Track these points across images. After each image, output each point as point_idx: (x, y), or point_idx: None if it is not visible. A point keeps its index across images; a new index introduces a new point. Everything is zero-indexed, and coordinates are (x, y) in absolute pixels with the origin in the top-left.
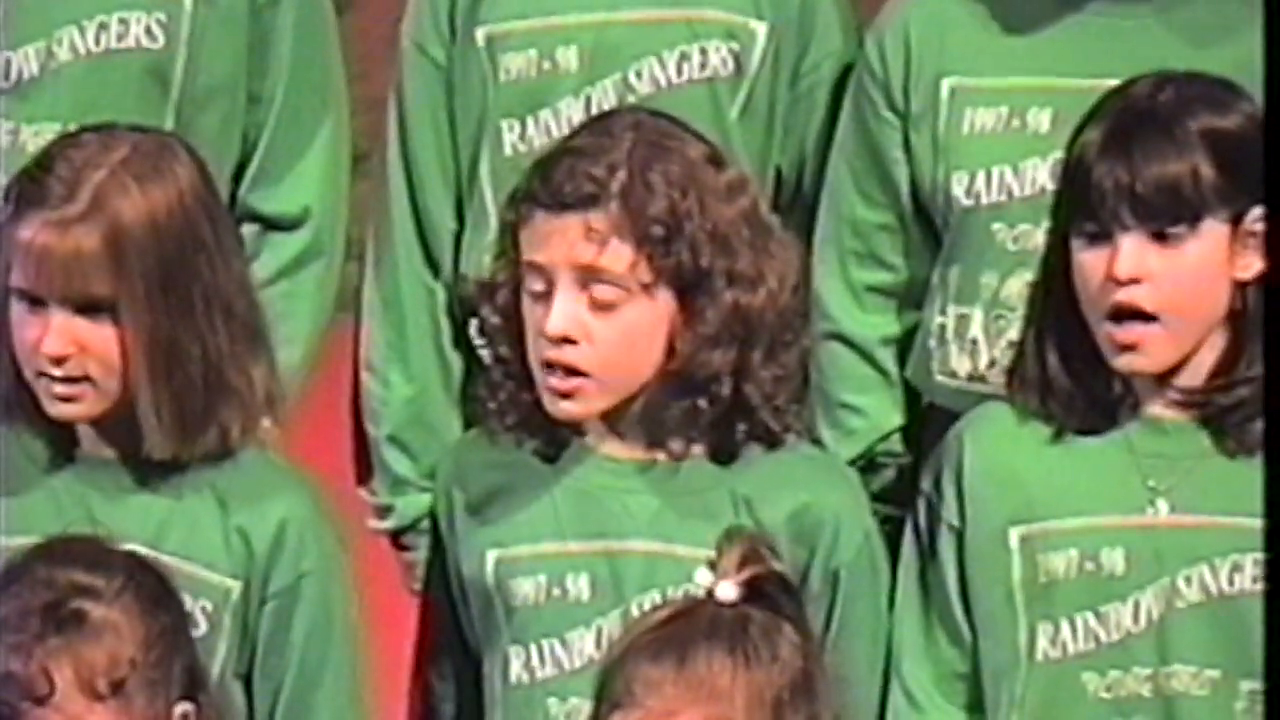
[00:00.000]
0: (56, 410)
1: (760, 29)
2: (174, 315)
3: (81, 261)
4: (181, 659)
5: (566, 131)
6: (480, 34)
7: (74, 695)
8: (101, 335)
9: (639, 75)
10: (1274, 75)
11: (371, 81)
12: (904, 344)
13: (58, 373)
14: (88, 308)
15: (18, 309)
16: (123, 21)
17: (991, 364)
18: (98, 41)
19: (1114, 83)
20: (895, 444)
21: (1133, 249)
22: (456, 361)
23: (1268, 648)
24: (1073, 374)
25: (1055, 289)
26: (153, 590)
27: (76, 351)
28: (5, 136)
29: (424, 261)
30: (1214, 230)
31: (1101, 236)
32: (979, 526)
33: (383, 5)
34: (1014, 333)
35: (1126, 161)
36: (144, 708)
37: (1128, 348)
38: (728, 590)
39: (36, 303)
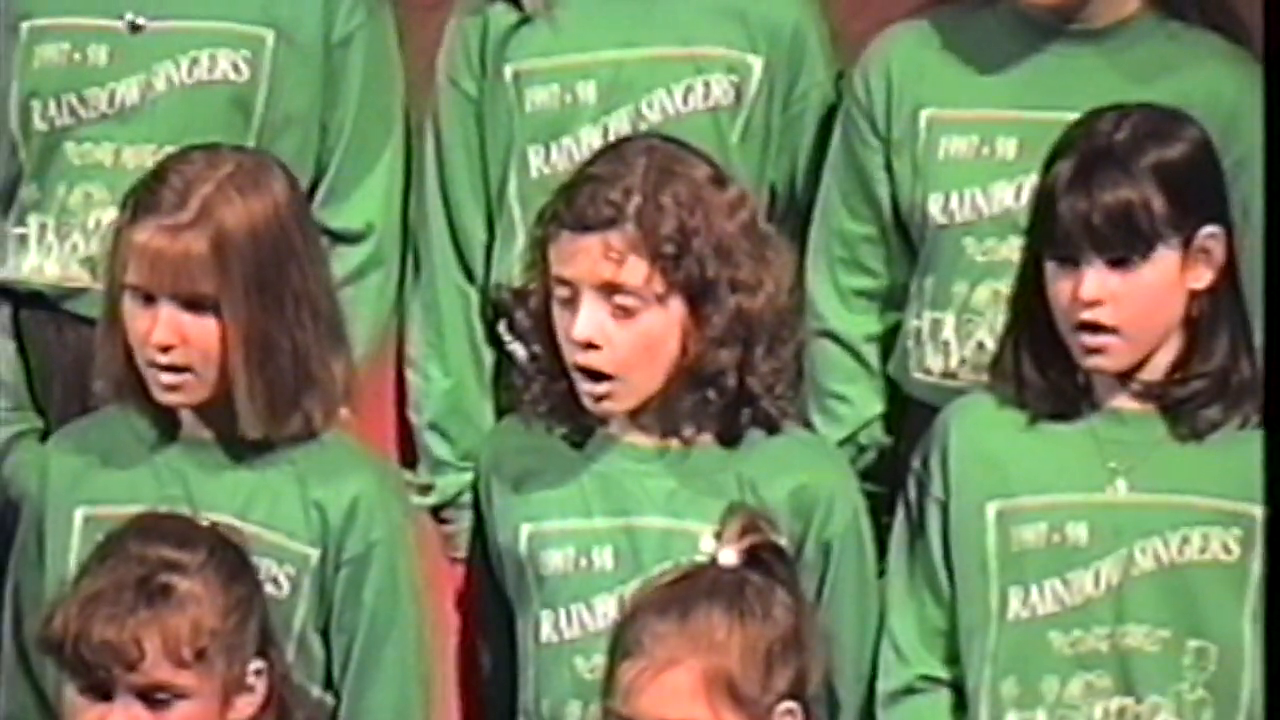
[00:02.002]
0: (163, 397)
1: (756, 63)
2: (268, 312)
3: (189, 262)
4: (256, 621)
5: (586, 156)
6: (508, 70)
7: (161, 661)
8: (204, 328)
9: (650, 106)
10: (1274, 75)
11: (417, 109)
12: (886, 341)
13: (164, 361)
14: (193, 303)
15: (130, 304)
16: (212, 57)
17: (962, 362)
18: (190, 74)
19: (1071, 115)
20: (877, 429)
21: (1095, 276)
22: (488, 357)
23: (1268, 642)
24: (1043, 372)
25: (1028, 298)
26: (232, 563)
27: (181, 342)
28: (109, 155)
29: (459, 270)
30: (1166, 256)
31: (1068, 262)
32: (961, 501)
33: (426, 43)
34: (982, 335)
35: (1087, 198)
36: (223, 670)
37: (1094, 351)
38: (729, 556)
39: (149, 299)
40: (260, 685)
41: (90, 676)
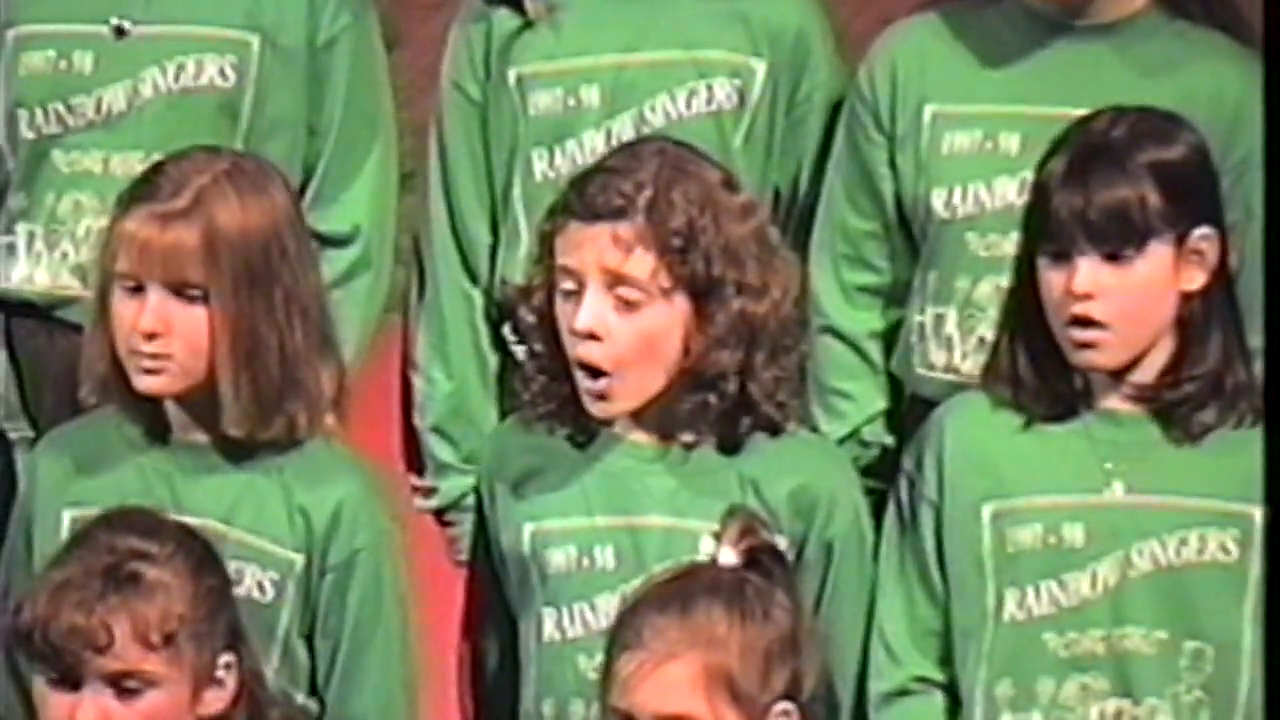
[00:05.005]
0: (142, 384)
1: (760, 67)
2: (257, 309)
3: (179, 251)
4: (225, 615)
5: (590, 159)
6: (512, 74)
7: (130, 645)
8: (193, 317)
9: (653, 110)
10: (1274, 74)
11: (418, 108)
12: (889, 337)
13: (148, 349)
14: (182, 292)
15: (119, 294)
16: (199, 63)
17: (964, 357)
18: (177, 80)
19: (1075, 110)
20: (880, 426)
21: (1088, 269)
22: (492, 359)
23: (1267, 642)
24: (1039, 372)
25: (1024, 298)
26: (200, 555)
27: (166, 331)
28: (98, 163)
29: (463, 272)
30: (1160, 251)
31: (1062, 256)
32: (955, 502)
33: (427, 42)
34: (984, 330)
35: (1083, 192)
36: (192, 657)
37: (1085, 346)
38: (728, 556)
39: (137, 289)
40: (230, 680)
41: (59, 664)
